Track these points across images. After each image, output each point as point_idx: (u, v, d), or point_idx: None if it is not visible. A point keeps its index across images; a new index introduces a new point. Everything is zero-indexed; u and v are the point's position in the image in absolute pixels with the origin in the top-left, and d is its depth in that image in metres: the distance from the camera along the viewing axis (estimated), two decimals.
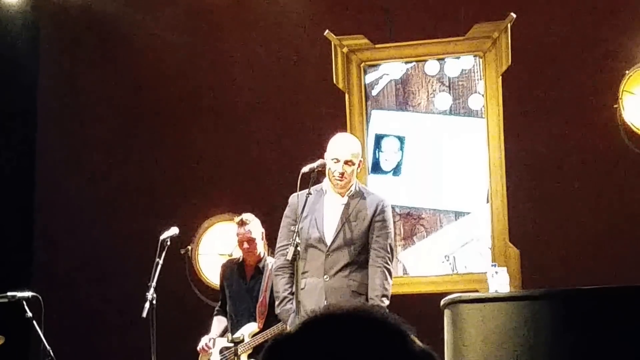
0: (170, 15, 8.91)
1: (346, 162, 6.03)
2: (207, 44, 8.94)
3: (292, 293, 6.04)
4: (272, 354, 1.51)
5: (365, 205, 6.07)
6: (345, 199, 6.10)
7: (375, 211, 6.05)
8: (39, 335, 6.48)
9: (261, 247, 7.29)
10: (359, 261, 5.99)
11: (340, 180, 6.05)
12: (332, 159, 6.05)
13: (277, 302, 6.19)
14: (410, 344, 1.48)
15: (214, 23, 8.91)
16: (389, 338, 1.47)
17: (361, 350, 1.44)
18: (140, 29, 8.91)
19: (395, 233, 7.91)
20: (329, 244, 6.01)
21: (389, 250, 6.02)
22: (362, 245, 6.02)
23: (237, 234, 7.31)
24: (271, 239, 6.98)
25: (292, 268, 6.01)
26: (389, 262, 6.01)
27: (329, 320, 1.48)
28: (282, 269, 6.12)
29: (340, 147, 6.10)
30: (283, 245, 6.13)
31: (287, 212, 6.20)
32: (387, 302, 5.92)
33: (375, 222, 6.03)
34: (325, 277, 5.97)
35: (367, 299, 5.94)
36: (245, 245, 7.25)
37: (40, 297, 6.61)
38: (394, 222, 7.14)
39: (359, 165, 6.12)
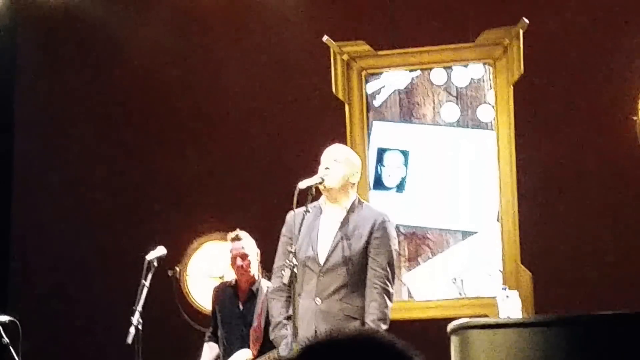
0: (158, 18, 8.92)
1: (334, 160, 6.01)
2: (196, 50, 8.95)
3: (287, 317, 6.01)
4: None
5: (362, 222, 6.00)
6: (342, 214, 6.04)
7: (372, 228, 5.97)
8: None
9: (255, 268, 7.28)
10: (356, 283, 5.91)
11: (326, 174, 5.97)
12: (321, 165, 6.05)
13: (271, 327, 6.17)
14: None
15: (205, 27, 8.92)
16: None
17: None
18: (126, 32, 8.91)
19: (399, 254, 7.92)
20: (322, 263, 5.95)
21: (388, 270, 5.93)
22: (359, 265, 5.93)
23: (231, 250, 7.30)
24: (266, 260, 6.97)
25: (289, 291, 5.95)
26: (388, 284, 5.92)
27: (332, 346, 1.49)
28: (278, 292, 6.09)
29: (327, 152, 6.11)
30: (280, 266, 6.11)
31: (283, 230, 6.18)
32: (384, 326, 5.83)
33: (373, 240, 5.95)
34: (317, 300, 5.92)
35: (362, 324, 5.86)
36: (239, 261, 7.23)
37: (17, 322, 6.62)
38: (398, 242, 7.12)
39: (354, 174, 6.07)
